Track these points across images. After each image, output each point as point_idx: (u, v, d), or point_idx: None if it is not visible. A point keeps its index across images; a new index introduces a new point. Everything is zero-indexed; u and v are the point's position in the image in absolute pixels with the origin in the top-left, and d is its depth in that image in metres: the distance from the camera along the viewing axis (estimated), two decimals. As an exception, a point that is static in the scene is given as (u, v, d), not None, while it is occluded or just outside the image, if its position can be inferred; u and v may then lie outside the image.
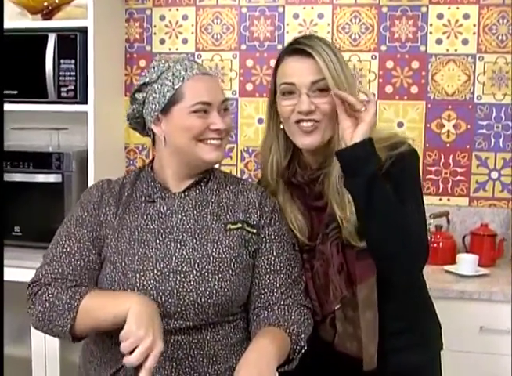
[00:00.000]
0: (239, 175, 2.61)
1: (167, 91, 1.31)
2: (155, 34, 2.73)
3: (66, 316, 1.23)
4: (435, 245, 2.33)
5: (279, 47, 2.53)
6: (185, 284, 1.27)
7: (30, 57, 2.45)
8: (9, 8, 2.54)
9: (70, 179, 2.42)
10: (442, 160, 2.52)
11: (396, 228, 1.27)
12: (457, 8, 2.46)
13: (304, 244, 1.43)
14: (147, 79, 1.35)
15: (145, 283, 1.27)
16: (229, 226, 1.35)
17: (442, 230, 2.40)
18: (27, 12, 2.58)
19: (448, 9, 2.47)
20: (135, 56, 2.75)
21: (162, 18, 2.72)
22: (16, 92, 2.45)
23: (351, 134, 1.28)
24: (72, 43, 2.41)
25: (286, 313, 1.32)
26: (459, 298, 2.03)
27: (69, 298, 1.24)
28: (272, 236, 1.38)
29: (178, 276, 1.28)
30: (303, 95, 1.35)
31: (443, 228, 2.40)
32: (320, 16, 2.57)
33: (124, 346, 1.12)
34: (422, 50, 2.50)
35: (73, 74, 2.41)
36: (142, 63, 2.74)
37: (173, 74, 1.32)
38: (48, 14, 2.54)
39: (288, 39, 1.48)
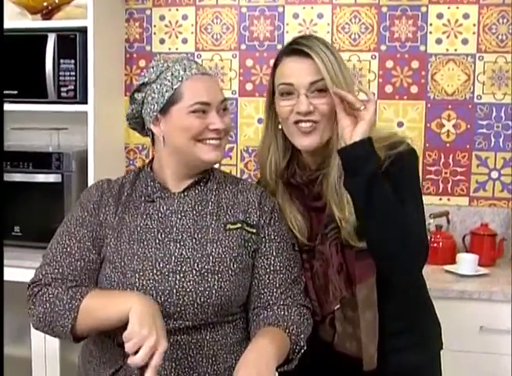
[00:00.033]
0: (238, 175, 2.61)
1: (166, 91, 1.31)
2: (155, 33, 2.73)
3: (67, 317, 1.23)
4: (435, 245, 2.33)
5: (279, 47, 2.53)
6: (184, 284, 1.27)
7: (30, 57, 2.45)
8: (9, 8, 2.54)
9: (70, 179, 2.42)
10: (442, 159, 2.52)
11: (396, 227, 1.27)
12: (457, 7, 2.46)
13: (303, 245, 1.43)
14: (146, 79, 1.35)
15: (144, 282, 1.27)
16: (229, 226, 1.35)
17: (442, 230, 2.39)
18: (26, 12, 2.58)
19: (448, 8, 2.47)
20: (134, 55, 2.75)
21: (162, 18, 2.72)
22: (16, 92, 2.45)
23: (351, 133, 1.28)
24: (72, 43, 2.41)
25: (286, 313, 1.32)
26: (459, 297, 2.03)
27: (69, 299, 1.24)
28: (272, 236, 1.38)
29: (178, 276, 1.28)
30: (301, 96, 1.35)
31: (443, 228, 2.40)
32: (320, 15, 2.57)
33: (129, 347, 1.11)
34: (422, 50, 2.50)
35: (73, 73, 2.41)
36: (142, 62, 2.74)
37: (172, 74, 1.32)
38: (48, 14, 2.54)
39: (288, 39, 1.49)
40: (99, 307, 1.23)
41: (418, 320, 1.46)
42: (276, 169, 1.46)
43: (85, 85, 2.42)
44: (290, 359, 1.29)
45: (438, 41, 2.48)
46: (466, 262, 2.20)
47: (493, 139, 2.48)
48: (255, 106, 2.64)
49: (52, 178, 2.42)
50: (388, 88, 2.53)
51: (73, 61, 2.41)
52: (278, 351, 1.22)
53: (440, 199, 2.53)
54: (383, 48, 2.53)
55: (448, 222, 2.43)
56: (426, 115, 2.51)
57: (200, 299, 1.27)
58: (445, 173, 2.52)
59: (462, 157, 2.50)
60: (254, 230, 1.36)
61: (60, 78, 2.43)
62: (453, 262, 2.27)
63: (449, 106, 2.50)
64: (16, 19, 2.62)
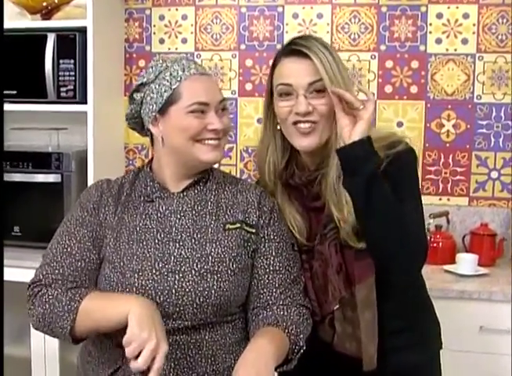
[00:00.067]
0: (238, 175, 2.61)
1: (165, 91, 1.31)
2: (154, 33, 2.73)
3: (66, 318, 1.23)
4: (435, 245, 2.33)
5: (279, 47, 2.50)
6: (183, 284, 1.27)
7: (30, 57, 2.45)
8: (9, 8, 2.54)
9: (70, 179, 2.42)
10: (442, 159, 2.52)
11: (395, 227, 1.26)
12: (457, 7, 2.46)
13: (302, 245, 1.43)
14: (145, 79, 1.35)
15: (143, 282, 1.27)
16: (228, 226, 1.35)
17: (442, 230, 2.39)
18: (26, 12, 2.58)
19: (448, 8, 2.47)
20: (134, 55, 2.75)
21: (161, 18, 2.71)
22: (15, 92, 2.45)
23: (350, 132, 1.28)
24: (71, 43, 2.41)
25: (285, 313, 1.32)
26: (459, 297, 2.03)
27: (68, 300, 1.24)
28: (271, 236, 1.38)
29: (177, 276, 1.28)
30: (300, 97, 1.35)
31: (443, 228, 2.40)
32: (319, 15, 2.56)
33: (129, 351, 1.11)
34: (421, 50, 2.50)
35: (72, 73, 2.41)
36: (142, 62, 2.74)
37: (170, 74, 1.32)
38: (48, 14, 2.54)
39: (287, 39, 1.49)
40: (98, 309, 1.23)
41: (417, 320, 1.46)
42: (275, 170, 1.46)
43: (85, 85, 2.42)
44: (290, 360, 1.29)
45: (438, 41, 2.48)
46: (466, 262, 2.20)
47: (493, 139, 2.47)
48: (255, 107, 2.64)
49: (51, 178, 2.42)
50: (388, 88, 2.53)
51: (72, 61, 2.41)
52: (277, 351, 1.21)
53: (440, 199, 2.53)
54: (382, 48, 2.53)
55: (448, 222, 2.43)
56: (426, 115, 2.51)
57: (199, 299, 1.27)
58: (445, 173, 2.52)
59: (462, 157, 2.50)
60: (254, 230, 1.36)
61: (60, 78, 2.43)
62: (453, 261, 2.27)
63: (449, 106, 2.49)
64: (16, 19, 2.62)
